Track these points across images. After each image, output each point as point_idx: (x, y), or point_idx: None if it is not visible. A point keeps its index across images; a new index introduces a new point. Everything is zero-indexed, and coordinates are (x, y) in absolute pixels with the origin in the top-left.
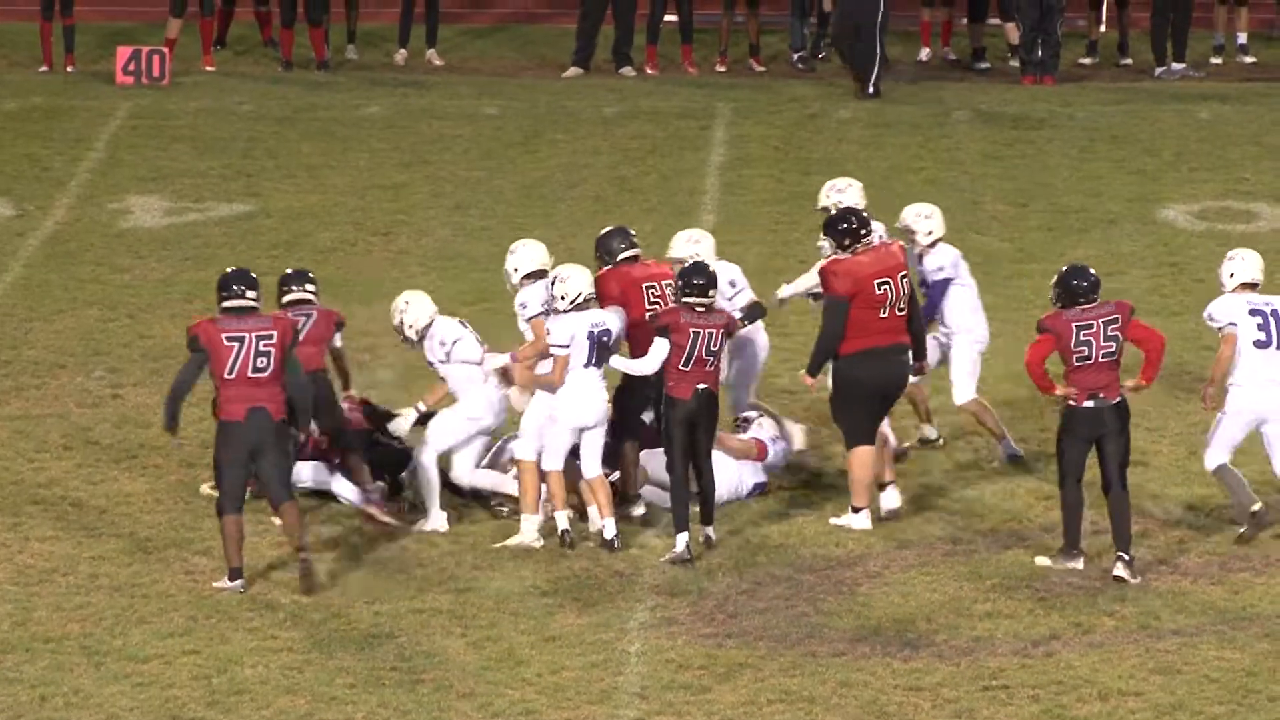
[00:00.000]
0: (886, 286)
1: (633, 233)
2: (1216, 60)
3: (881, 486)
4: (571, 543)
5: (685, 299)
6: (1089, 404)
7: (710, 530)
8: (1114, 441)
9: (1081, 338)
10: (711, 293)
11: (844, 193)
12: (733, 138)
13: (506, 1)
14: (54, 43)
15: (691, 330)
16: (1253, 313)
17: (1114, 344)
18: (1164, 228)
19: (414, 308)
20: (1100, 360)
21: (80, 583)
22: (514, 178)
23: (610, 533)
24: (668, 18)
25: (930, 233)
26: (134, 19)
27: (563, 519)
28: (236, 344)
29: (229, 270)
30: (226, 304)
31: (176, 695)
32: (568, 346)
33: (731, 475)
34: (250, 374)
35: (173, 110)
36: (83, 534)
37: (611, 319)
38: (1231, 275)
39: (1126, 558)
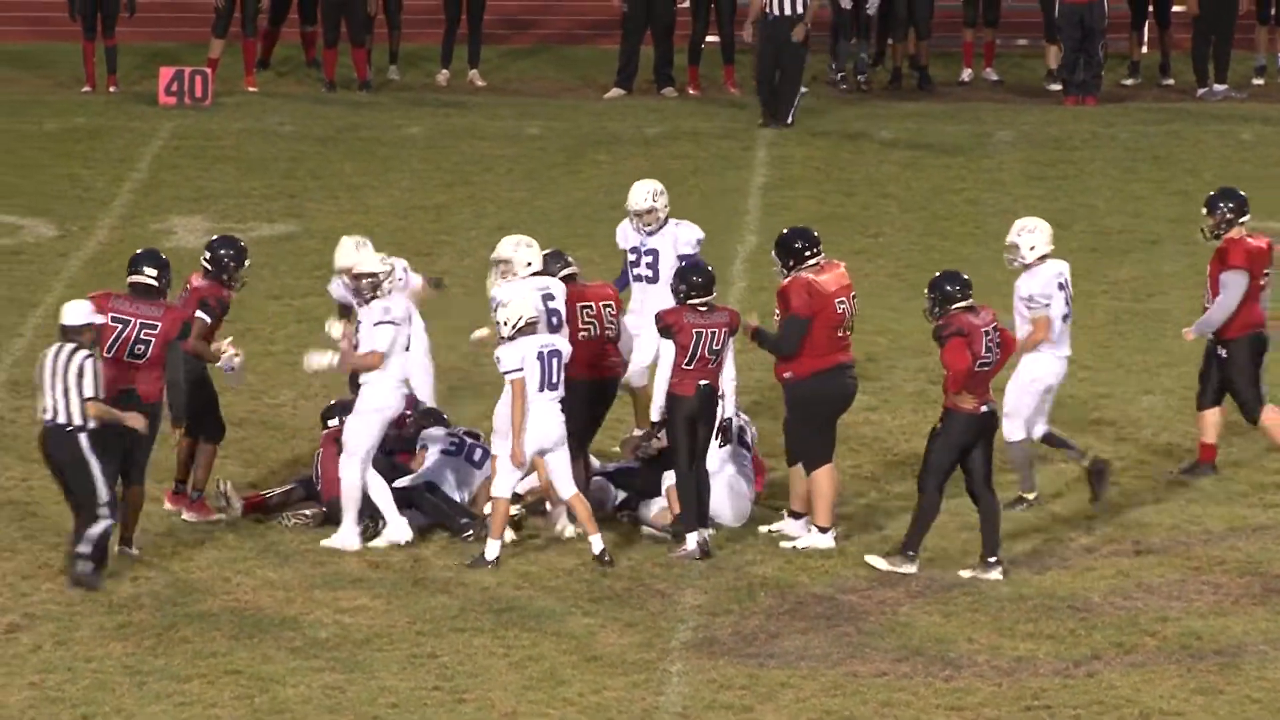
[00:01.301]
0: (845, 306)
1: (567, 255)
2: (1258, 81)
3: (795, 515)
4: (496, 564)
5: (688, 299)
6: (984, 409)
7: (708, 533)
8: (985, 447)
9: (987, 344)
10: (713, 290)
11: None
12: (774, 158)
13: (548, 22)
14: (96, 63)
15: (694, 330)
16: (1060, 286)
17: (999, 350)
18: (1206, 249)
19: (359, 257)
20: (992, 366)
21: (122, 602)
22: (556, 198)
23: (598, 548)
24: (709, 38)
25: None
26: (176, 39)
27: (495, 547)
28: (120, 325)
29: (139, 250)
30: (129, 279)
31: (219, 715)
32: (520, 370)
33: (727, 499)
34: (126, 357)
35: (215, 130)
36: (125, 555)
37: (560, 340)
38: (1033, 248)
39: (995, 560)
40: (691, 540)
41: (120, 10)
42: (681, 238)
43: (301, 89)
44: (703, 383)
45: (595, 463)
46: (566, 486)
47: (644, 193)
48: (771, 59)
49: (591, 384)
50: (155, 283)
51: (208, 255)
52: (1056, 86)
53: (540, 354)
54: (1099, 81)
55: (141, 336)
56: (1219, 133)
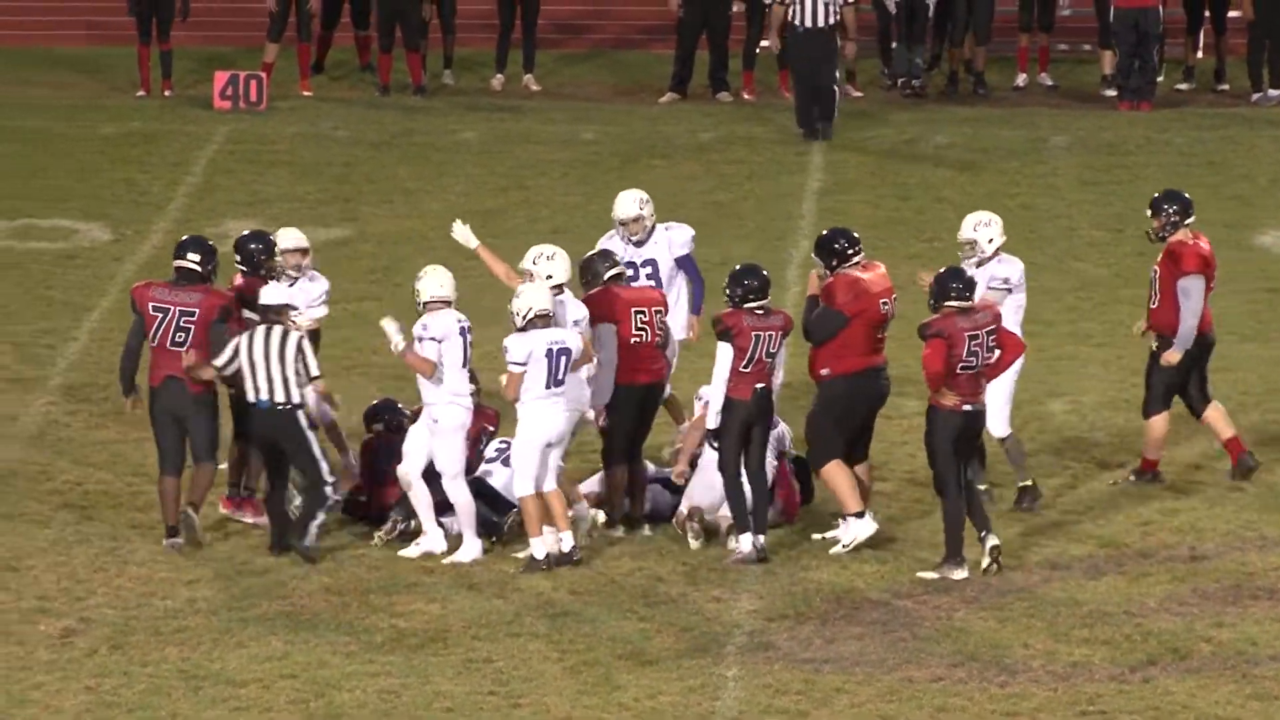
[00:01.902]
0: (888, 306)
1: (616, 255)
2: None
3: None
4: (578, 560)
5: (744, 303)
6: (967, 408)
7: (761, 539)
8: (973, 443)
9: (971, 347)
10: (768, 292)
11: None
12: (829, 163)
13: (602, 27)
14: (151, 67)
15: (753, 333)
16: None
17: (993, 353)
18: (1260, 253)
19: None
20: (980, 368)
21: (178, 606)
22: (610, 203)
23: (568, 545)
24: (763, 43)
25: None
26: (231, 44)
27: (568, 539)
28: (160, 314)
29: (185, 236)
30: (174, 263)
31: (274, 719)
32: (524, 364)
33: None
34: (169, 345)
35: (270, 135)
36: (180, 557)
37: (571, 337)
38: (991, 241)
39: (990, 535)
40: (745, 541)
41: (175, 15)
42: (676, 241)
43: (356, 94)
44: (759, 386)
45: (651, 468)
46: (550, 480)
47: (631, 200)
48: (806, 72)
49: (639, 388)
50: (198, 268)
51: (238, 256)
52: (1112, 92)
53: (549, 350)
54: (1154, 87)
55: (181, 324)
56: (1273, 138)
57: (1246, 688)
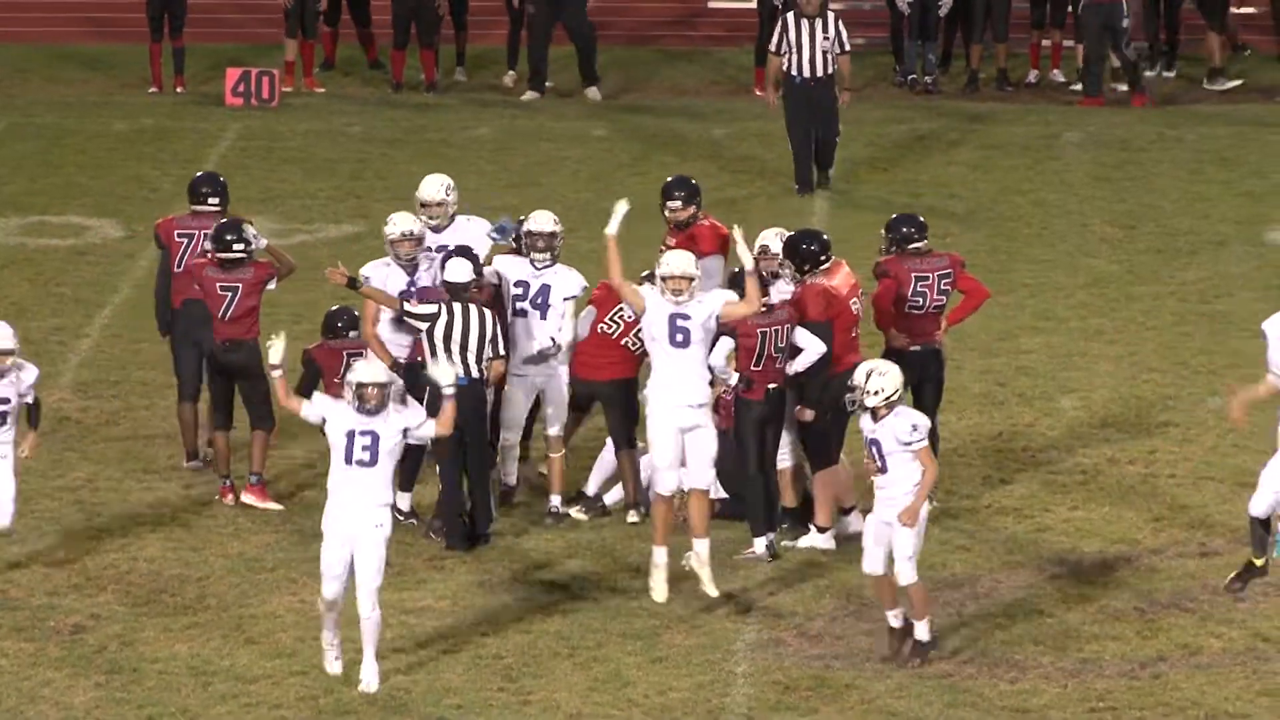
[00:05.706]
0: (858, 305)
1: None
2: None
3: (845, 511)
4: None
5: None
6: (915, 349)
7: (772, 537)
8: (931, 385)
9: (918, 288)
10: (769, 290)
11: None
12: (841, 160)
13: (614, 24)
14: (163, 64)
15: (759, 330)
16: None
17: (945, 297)
18: (1273, 250)
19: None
20: (930, 311)
21: (188, 603)
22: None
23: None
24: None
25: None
26: (243, 41)
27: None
28: (186, 239)
29: (199, 174)
30: (191, 206)
31: (284, 715)
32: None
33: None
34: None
35: (282, 131)
36: (190, 554)
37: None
38: None
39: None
40: (760, 544)
41: (187, 11)
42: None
43: (368, 90)
44: (771, 386)
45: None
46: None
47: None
48: (806, 123)
49: (627, 383)
50: (217, 209)
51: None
52: (1077, 87)
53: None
54: (1139, 79)
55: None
56: None
57: (1256, 684)
